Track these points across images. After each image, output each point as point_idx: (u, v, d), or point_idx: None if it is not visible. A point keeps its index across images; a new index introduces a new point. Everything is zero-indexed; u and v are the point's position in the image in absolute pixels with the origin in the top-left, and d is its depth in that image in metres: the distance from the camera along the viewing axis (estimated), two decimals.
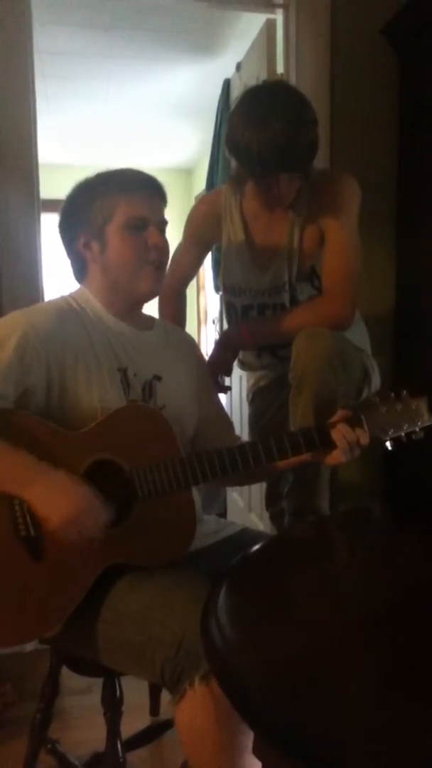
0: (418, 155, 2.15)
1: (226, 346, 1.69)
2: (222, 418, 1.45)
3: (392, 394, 1.20)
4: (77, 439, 1.15)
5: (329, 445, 1.19)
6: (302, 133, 1.46)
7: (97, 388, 1.19)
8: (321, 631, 0.86)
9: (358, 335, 1.70)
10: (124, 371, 1.24)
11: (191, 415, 1.35)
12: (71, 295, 1.31)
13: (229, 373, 1.70)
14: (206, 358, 1.59)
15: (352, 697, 0.71)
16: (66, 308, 1.26)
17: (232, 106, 1.57)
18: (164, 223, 1.30)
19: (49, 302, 1.30)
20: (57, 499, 1.06)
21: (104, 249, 1.26)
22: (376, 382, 1.70)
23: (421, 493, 2.01)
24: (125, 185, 1.27)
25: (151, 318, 1.41)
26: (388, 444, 1.18)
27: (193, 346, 1.48)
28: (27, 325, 1.17)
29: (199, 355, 1.48)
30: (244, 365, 1.91)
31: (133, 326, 1.32)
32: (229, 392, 1.95)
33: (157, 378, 1.28)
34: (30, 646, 2.11)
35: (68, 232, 1.31)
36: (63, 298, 1.30)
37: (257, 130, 1.43)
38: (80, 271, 1.33)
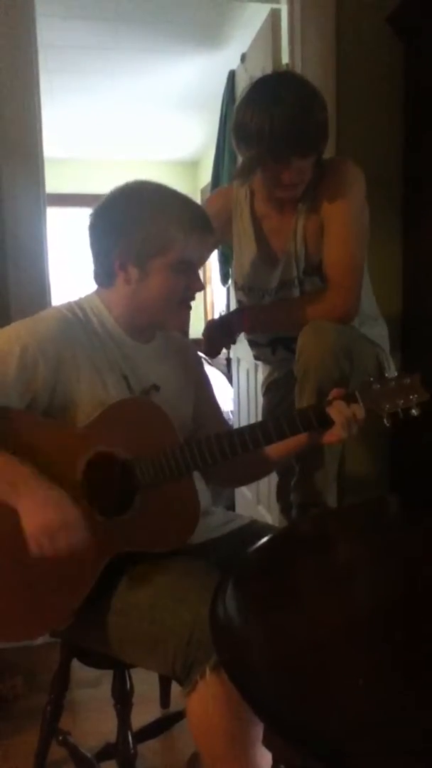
0: (425, 146, 2.13)
1: (224, 327, 1.69)
2: (219, 423, 1.43)
3: (385, 374, 1.21)
4: (76, 433, 1.16)
5: (326, 425, 1.19)
6: (312, 111, 1.45)
7: (101, 394, 1.19)
8: (328, 623, 0.86)
9: (375, 329, 1.69)
10: (126, 378, 1.24)
11: (186, 426, 1.34)
12: (77, 303, 1.29)
13: (215, 356, 1.71)
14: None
15: (359, 688, 0.71)
16: (69, 317, 1.24)
17: (239, 97, 1.56)
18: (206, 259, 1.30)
19: (52, 309, 1.28)
20: (36, 515, 1.05)
21: (144, 279, 1.23)
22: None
23: (428, 487, 2.00)
24: (186, 224, 1.21)
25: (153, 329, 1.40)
26: (385, 421, 1.19)
27: (191, 354, 1.46)
28: (28, 336, 1.16)
29: (199, 363, 1.47)
30: (259, 358, 1.91)
31: (137, 339, 1.30)
32: (237, 386, 1.94)
33: (155, 388, 1.27)
34: (40, 639, 2.10)
35: (106, 241, 1.24)
36: (68, 305, 1.28)
37: (268, 110, 1.41)
38: (105, 280, 1.28)
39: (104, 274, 1.27)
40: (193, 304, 1.90)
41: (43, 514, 1.04)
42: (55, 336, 1.18)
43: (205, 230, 1.24)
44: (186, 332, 1.86)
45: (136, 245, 1.20)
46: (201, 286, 1.28)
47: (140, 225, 1.20)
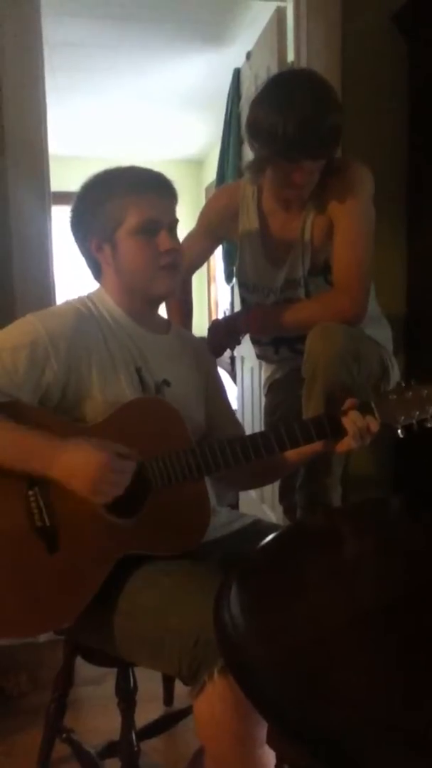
0: (430, 144, 2.12)
1: (229, 328, 1.69)
2: (232, 425, 1.43)
3: (402, 383, 1.20)
4: (89, 432, 1.15)
5: (339, 433, 1.19)
6: (328, 114, 1.43)
7: (113, 388, 1.20)
8: (332, 622, 0.86)
9: (380, 330, 1.68)
10: (139, 371, 1.24)
11: (196, 426, 1.33)
12: (89, 296, 1.31)
13: (219, 355, 1.71)
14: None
15: (363, 687, 0.71)
16: (82, 310, 1.26)
17: (244, 94, 1.56)
18: (175, 222, 1.29)
19: (65, 304, 1.30)
20: (81, 467, 1.07)
21: (116, 253, 1.26)
22: (394, 378, 1.69)
23: (431, 484, 2.00)
24: (135, 186, 1.25)
25: (167, 322, 1.41)
26: (399, 432, 1.18)
27: (205, 354, 1.48)
28: (41, 329, 1.17)
29: (212, 364, 1.48)
30: (261, 357, 1.90)
31: (149, 329, 1.31)
32: (241, 385, 1.94)
33: (166, 383, 1.27)
34: (44, 637, 2.12)
35: (80, 232, 1.30)
36: (80, 299, 1.29)
37: (282, 111, 1.40)
38: (96, 270, 1.33)
39: (92, 267, 1.33)
40: (196, 302, 1.91)
41: (88, 465, 1.07)
42: (69, 331, 1.19)
43: (158, 188, 1.27)
44: (189, 328, 1.86)
45: (100, 223, 1.26)
46: (169, 245, 1.25)
47: (97, 204, 1.26)
